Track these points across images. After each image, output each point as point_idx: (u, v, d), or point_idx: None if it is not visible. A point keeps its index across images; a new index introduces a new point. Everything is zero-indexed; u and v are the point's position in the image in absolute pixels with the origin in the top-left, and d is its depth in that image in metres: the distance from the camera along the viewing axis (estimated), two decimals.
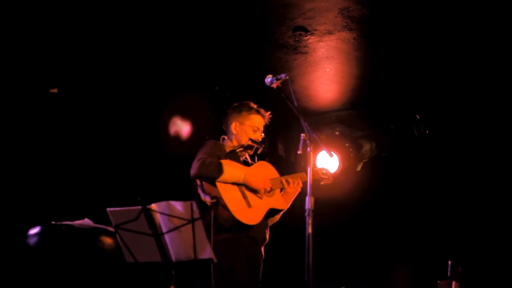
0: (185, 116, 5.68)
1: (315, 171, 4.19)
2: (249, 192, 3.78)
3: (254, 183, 3.77)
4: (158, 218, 3.05)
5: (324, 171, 4.25)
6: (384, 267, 6.17)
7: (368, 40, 4.72)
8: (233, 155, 3.93)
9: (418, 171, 6.19)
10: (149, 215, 3.03)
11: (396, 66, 5.20)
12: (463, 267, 4.05)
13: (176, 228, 3.03)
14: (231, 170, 3.69)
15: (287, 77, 3.43)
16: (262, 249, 3.92)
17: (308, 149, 3.20)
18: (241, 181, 3.73)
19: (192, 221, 3.00)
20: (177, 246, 3.08)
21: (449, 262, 4.04)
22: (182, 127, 5.05)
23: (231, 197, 3.66)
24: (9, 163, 5.03)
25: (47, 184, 5.16)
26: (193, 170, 3.68)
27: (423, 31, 4.56)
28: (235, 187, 3.73)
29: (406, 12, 4.33)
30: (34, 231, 4.19)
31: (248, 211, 3.69)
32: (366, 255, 6.31)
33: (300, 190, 4.02)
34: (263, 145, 4.04)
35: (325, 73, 5.35)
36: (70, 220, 4.21)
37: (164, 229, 3.06)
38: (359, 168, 6.39)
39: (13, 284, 4.37)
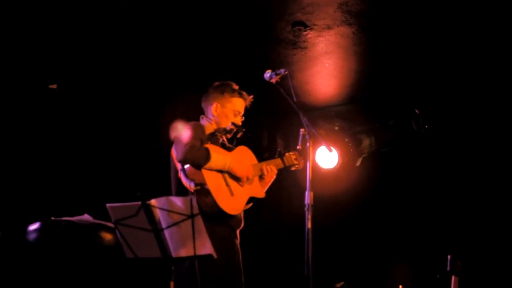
0: (183, 115, 5.67)
1: (288, 156, 4.10)
2: (231, 180, 3.70)
3: (238, 171, 3.70)
4: (158, 213, 3.05)
5: (295, 156, 4.13)
6: (384, 261, 6.18)
7: (367, 34, 4.72)
8: (213, 138, 3.84)
9: (418, 166, 6.19)
10: (148, 210, 3.03)
11: (395, 61, 5.20)
12: (462, 261, 4.05)
13: (176, 223, 3.03)
14: (217, 157, 3.60)
15: (286, 72, 3.41)
16: (237, 232, 3.84)
17: (308, 144, 3.20)
18: (226, 168, 3.65)
19: (191, 216, 3.00)
20: (176, 241, 3.08)
21: (449, 257, 4.04)
22: (182, 132, 5.05)
23: (216, 185, 3.58)
24: (9, 159, 5.03)
25: (46, 180, 5.16)
26: (180, 155, 3.56)
27: (422, 25, 4.55)
28: (219, 174, 3.65)
29: (405, 7, 4.32)
30: (33, 227, 4.20)
31: (231, 200, 3.63)
32: (366, 249, 6.32)
33: (275, 177, 3.97)
34: (243, 129, 3.94)
35: (324, 68, 5.35)
36: (69, 216, 4.21)
37: (163, 225, 3.06)
38: (358, 163, 6.39)
39: (13, 280, 4.37)
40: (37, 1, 4.15)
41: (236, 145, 3.97)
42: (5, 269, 4.48)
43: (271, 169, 3.91)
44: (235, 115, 3.93)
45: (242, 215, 3.88)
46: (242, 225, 3.89)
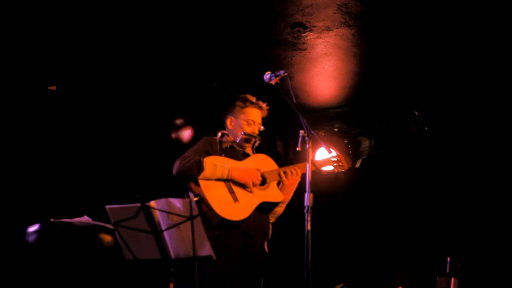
0: (184, 115, 5.68)
1: (327, 160, 4.12)
2: (237, 187, 3.72)
3: (239, 178, 3.71)
4: (157, 215, 3.05)
5: (336, 158, 4.13)
6: (383, 263, 6.18)
7: (367, 36, 4.72)
8: (231, 150, 3.91)
9: (417, 168, 6.19)
10: (148, 212, 3.03)
11: (395, 62, 5.20)
12: (462, 263, 4.05)
13: (175, 225, 3.03)
14: (212, 167, 3.65)
15: (285, 74, 3.43)
16: (265, 244, 3.88)
17: (307, 145, 3.20)
18: (225, 176, 3.68)
19: (191, 218, 3.00)
20: (176, 243, 3.08)
21: (448, 259, 4.05)
22: (183, 130, 5.06)
23: (214, 194, 3.62)
24: (9, 161, 5.03)
25: (46, 182, 5.16)
26: (174, 170, 3.68)
27: (421, 27, 4.55)
28: (221, 183, 3.69)
29: (404, 8, 4.32)
30: (33, 228, 4.19)
31: (233, 207, 3.65)
32: (365, 251, 6.31)
33: (299, 180, 3.95)
34: (258, 137, 3.98)
35: (324, 69, 5.35)
36: (69, 217, 4.21)
37: (163, 226, 3.06)
38: (358, 165, 6.39)
39: (13, 282, 4.37)
40: (37, 2, 4.16)
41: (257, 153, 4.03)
42: (4, 270, 4.48)
43: (291, 172, 3.88)
44: (249, 125, 3.97)
45: (268, 223, 3.91)
46: (270, 234, 3.91)
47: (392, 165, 6.37)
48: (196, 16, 4.46)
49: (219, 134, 4.00)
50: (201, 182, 3.62)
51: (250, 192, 3.76)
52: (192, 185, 3.69)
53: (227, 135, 4.04)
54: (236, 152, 3.93)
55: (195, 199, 3.59)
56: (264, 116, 4.06)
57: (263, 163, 3.94)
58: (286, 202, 3.97)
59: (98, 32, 4.61)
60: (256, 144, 4.03)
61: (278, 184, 3.96)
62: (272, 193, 3.87)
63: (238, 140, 3.95)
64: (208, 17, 4.47)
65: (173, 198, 3.05)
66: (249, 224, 3.73)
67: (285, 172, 3.88)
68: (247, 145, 4.00)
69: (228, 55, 5.10)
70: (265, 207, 3.84)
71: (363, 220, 6.41)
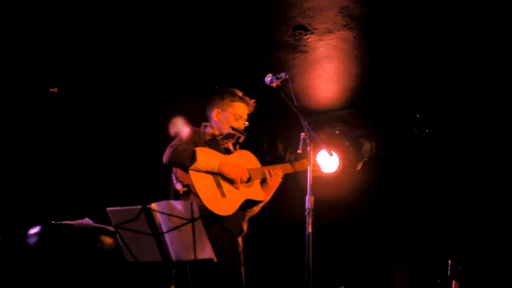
0: (184, 116, 5.68)
1: (302, 162, 4.10)
2: (225, 182, 3.71)
3: (229, 173, 3.70)
4: (158, 217, 3.05)
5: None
6: (384, 266, 6.17)
7: (368, 39, 4.72)
8: (214, 143, 3.85)
9: (418, 170, 6.18)
10: (149, 214, 3.03)
11: (396, 65, 5.20)
12: (463, 266, 4.04)
13: (176, 227, 3.03)
14: (205, 158, 3.62)
15: (287, 76, 3.43)
16: (240, 240, 3.85)
17: (308, 148, 3.21)
18: (215, 170, 3.66)
19: (192, 220, 3.00)
20: (177, 245, 3.08)
21: (449, 261, 4.04)
22: (181, 128, 5.05)
23: (204, 186, 3.59)
24: (9, 162, 5.03)
25: (47, 184, 5.16)
26: (165, 157, 3.63)
27: (423, 29, 4.55)
28: (210, 176, 3.66)
29: (406, 11, 4.33)
30: (34, 230, 4.19)
31: (221, 201, 3.63)
32: (366, 254, 6.31)
33: (280, 181, 3.96)
34: (245, 134, 3.95)
35: (325, 72, 5.35)
36: (70, 219, 4.21)
37: (164, 229, 3.06)
38: (359, 168, 6.39)
39: (14, 285, 4.37)
40: (37, 3, 4.16)
41: (240, 149, 4.00)
42: (5, 272, 4.48)
43: (275, 173, 3.90)
44: (236, 119, 3.94)
45: (244, 220, 3.89)
46: (245, 230, 3.89)
47: (393, 167, 6.37)
48: (197, 19, 4.46)
49: (203, 125, 3.96)
50: (191, 172, 3.59)
51: (236, 188, 3.74)
52: (180, 174, 3.64)
53: (211, 127, 3.98)
54: (218, 146, 3.87)
55: (184, 189, 3.57)
56: (249, 112, 4.02)
57: (248, 160, 3.92)
58: (265, 202, 3.95)
59: (98, 33, 4.62)
60: (241, 140, 3.98)
61: (261, 182, 3.94)
62: (256, 191, 3.87)
63: (224, 134, 3.91)
64: (210, 19, 4.48)
65: (174, 200, 3.06)
66: (231, 221, 3.72)
67: (269, 172, 3.89)
68: (229, 140, 3.96)
69: (229, 57, 5.10)
70: (247, 205, 3.82)
71: (364, 223, 6.40)
